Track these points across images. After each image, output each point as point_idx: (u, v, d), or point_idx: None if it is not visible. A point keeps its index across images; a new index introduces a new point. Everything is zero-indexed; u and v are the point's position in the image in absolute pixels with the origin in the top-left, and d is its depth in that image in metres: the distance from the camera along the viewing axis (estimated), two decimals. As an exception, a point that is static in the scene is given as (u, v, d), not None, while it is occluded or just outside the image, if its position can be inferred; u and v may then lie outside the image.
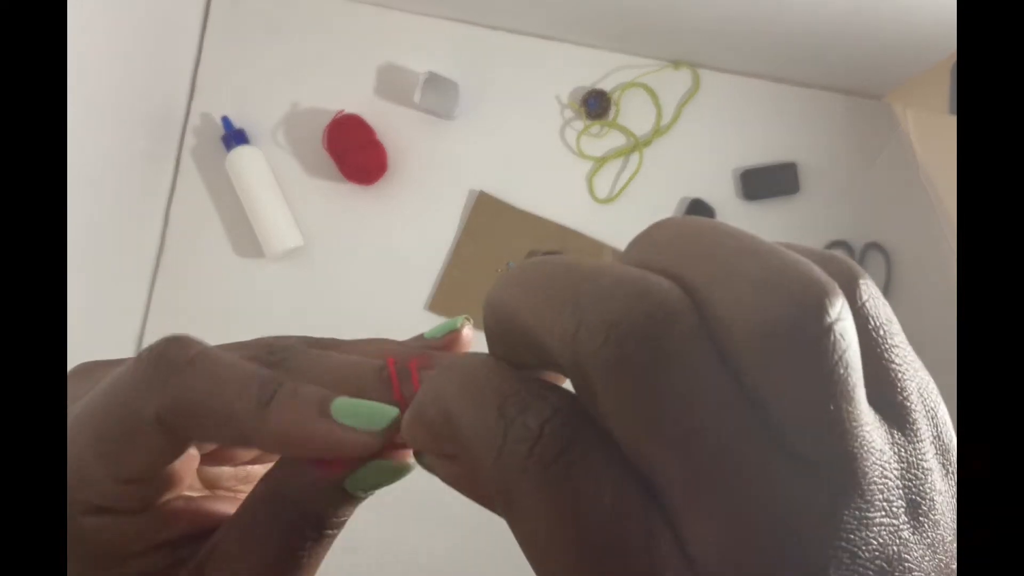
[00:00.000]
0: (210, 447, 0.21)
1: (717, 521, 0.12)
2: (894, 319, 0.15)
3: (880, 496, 0.13)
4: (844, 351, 0.13)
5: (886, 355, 0.14)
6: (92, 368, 0.21)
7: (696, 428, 0.12)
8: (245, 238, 1.03)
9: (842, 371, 0.13)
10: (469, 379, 0.15)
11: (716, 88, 1.08)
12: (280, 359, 0.19)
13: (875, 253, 1.06)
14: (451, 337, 0.21)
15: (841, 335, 0.13)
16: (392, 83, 1.05)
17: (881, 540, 0.13)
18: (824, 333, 0.12)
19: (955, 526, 0.14)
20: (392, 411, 0.18)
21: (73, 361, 0.21)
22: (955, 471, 0.14)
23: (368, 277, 1.06)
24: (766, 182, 1.06)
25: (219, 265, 1.04)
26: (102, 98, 0.87)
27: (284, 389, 0.18)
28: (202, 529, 0.20)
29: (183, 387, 0.17)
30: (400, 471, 0.19)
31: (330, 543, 0.19)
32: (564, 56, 1.08)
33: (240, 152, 1.00)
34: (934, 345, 1.00)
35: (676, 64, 1.08)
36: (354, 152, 1.01)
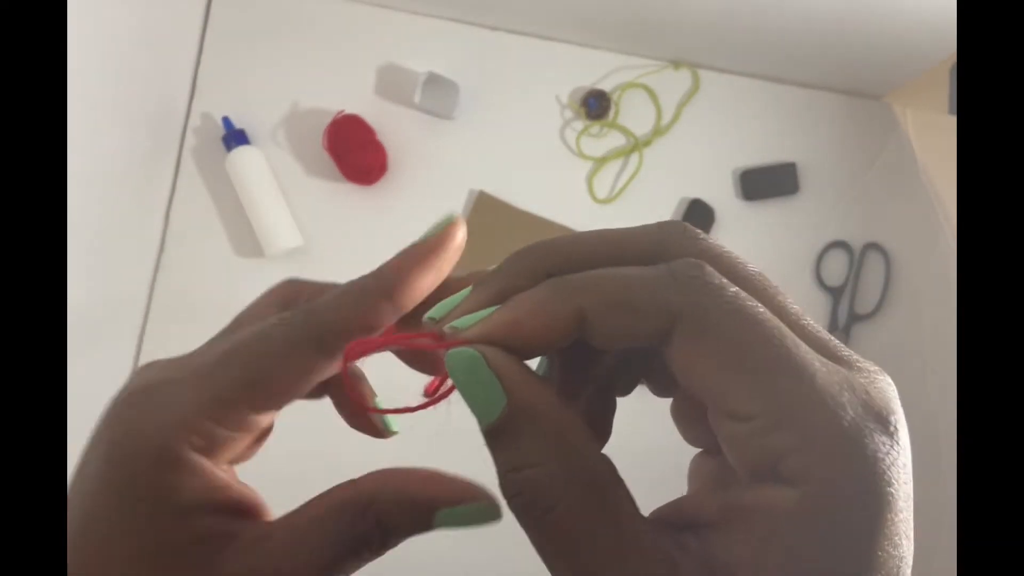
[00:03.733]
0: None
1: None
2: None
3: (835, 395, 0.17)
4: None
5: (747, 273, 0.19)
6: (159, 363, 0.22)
7: None
8: (245, 238, 1.03)
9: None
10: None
11: (716, 88, 1.08)
12: None
13: (875, 253, 1.06)
14: (448, 231, 0.23)
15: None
16: (392, 83, 1.05)
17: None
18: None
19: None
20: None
21: (72, 360, 0.21)
22: None
23: (368, 277, 1.05)
24: (766, 182, 1.06)
25: (219, 265, 1.04)
26: (102, 98, 0.87)
27: None
28: (236, 506, 0.20)
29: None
30: (491, 515, 0.20)
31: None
32: (564, 56, 1.07)
33: (240, 152, 1.00)
34: (934, 345, 1.00)
35: (676, 64, 1.08)
36: (354, 152, 1.01)
